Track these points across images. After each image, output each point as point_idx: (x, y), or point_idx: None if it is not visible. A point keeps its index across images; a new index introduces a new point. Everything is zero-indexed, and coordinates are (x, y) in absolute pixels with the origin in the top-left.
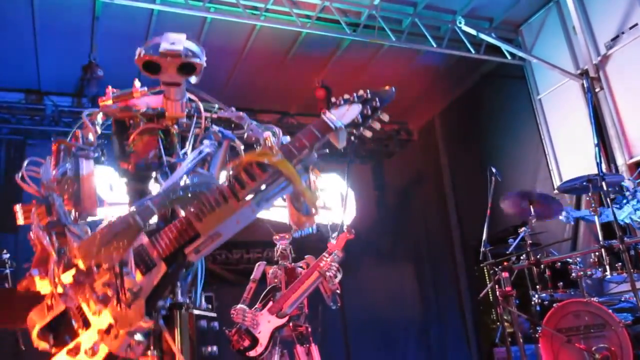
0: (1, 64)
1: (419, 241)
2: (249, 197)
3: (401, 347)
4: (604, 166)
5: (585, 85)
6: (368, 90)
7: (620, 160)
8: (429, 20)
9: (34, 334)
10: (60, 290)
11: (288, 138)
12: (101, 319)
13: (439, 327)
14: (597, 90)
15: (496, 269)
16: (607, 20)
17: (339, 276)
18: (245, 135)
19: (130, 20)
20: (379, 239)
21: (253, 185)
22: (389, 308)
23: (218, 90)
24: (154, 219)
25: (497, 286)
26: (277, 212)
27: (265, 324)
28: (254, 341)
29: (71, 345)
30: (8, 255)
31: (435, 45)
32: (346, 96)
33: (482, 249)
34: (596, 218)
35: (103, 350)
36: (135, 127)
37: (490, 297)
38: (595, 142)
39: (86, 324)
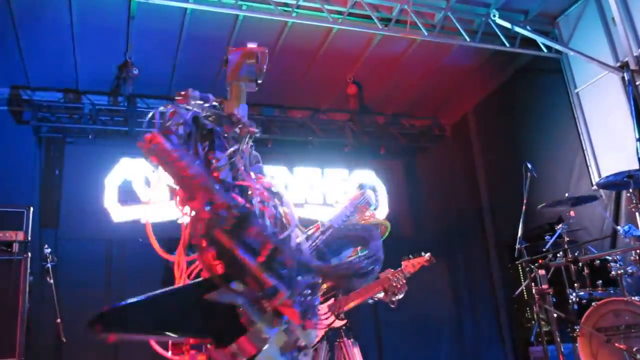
0: (41, 64)
1: (452, 238)
2: None
3: (434, 344)
4: None
5: (625, 78)
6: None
7: None
8: (462, 14)
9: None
10: None
11: None
12: (282, 336)
13: (472, 325)
14: (637, 83)
15: (532, 267)
16: None
17: (399, 296)
18: None
19: (164, 19)
20: (411, 235)
21: None
22: (422, 305)
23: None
24: None
25: (533, 284)
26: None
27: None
28: None
29: None
30: (49, 250)
31: (468, 40)
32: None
33: (518, 245)
34: (637, 215)
35: None
36: (207, 139)
37: (525, 295)
38: (637, 136)
39: None
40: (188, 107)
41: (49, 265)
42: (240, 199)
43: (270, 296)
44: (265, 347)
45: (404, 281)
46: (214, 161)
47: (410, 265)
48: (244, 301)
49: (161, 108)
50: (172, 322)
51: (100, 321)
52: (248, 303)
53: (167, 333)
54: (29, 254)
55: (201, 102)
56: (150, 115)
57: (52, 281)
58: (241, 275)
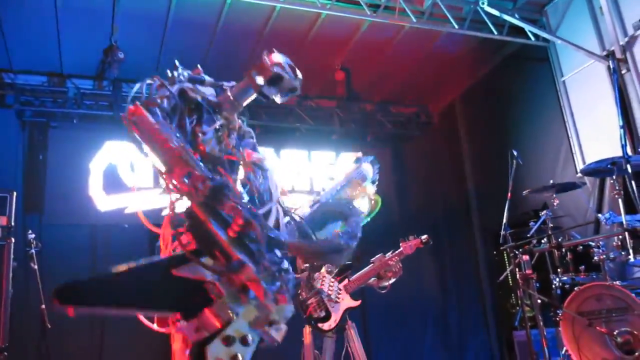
0: (25, 48)
1: (438, 224)
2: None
3: (419, 330)
4: (629, 149)
5: (611, 67)
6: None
7: None
8: (451, 1)
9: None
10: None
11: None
12: (252, 311)
13: (457, 311)
14: (623, 72)
15: (516, 252)
16: (635, 0)
17: (392, 281)
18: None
19: (151, 2)
20: (397, 222)
21: None
22: (408, 292)
23: (237, 72)
24: None
25: (517, 269)
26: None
27: (341, 301)
28: (328, 314)
29: (225, 334)
30: (33, 236)
31: (457, 27)
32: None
33: (503, 232)
34: (620, 201)
35: (255, 340)
36: (195, 113)
37: (510, 282)
38: (621, 124)
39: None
40: (177, 80)
41: (32, 251)
42: (222, 172)
43: (236, 270)
44: (235, 321)
45: (401, 265)
46: (200, 134)
47: (408, 247)
48: (213, 276)
49: (148, 80)
50: (135, 296)
51: (58, 296)
52: (217, 278)
53: (130, 307)
54: (12, 240)
55: (190, 78)
56: (136, 87)
57: (36, 267)
58: (210, 249)
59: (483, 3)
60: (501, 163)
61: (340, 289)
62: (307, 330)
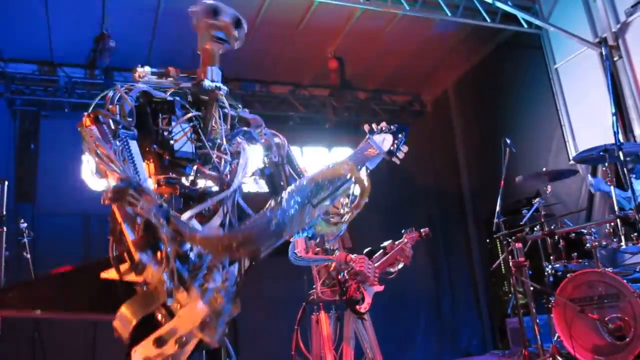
0: (15, 36)
1: (432, 213)
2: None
3: (413, 318)
4: (621, 136)
5: (603, 54)
6: (396, 125)
7: (638, 131)
8: None
9: (127, 328)
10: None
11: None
12: (191, 309)
13: (451, 299)
14: (615, 59)
15: (509, 240)
16: None
17: (400, 266)
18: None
19: None
20: (391, 210)
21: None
22: (401, 279)
23: (230, 61)
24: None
25: (510, 257)
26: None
27: (376, 284)
28: (363, 297)
29: (156, 335)
30: (25, 225)
31: (450, 14)
32: (383, 126)
33: (496, 220)
34: (612, 188)
35: (193, 340)
36: (166, 112)
37: (503, 269)
38: (613, 111)
39: (170, 315)
40: (138, 83)
41: (25, 240)
42: (199, 166)
43: (138, 271)
44: (169, 322)
45: (412, 251)
46: (165, 132)
47: (411, 238)
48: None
49: (109, 91)
50: (58, 300)
51: None
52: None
53: (53, 310)
54: (4, 229)
55: (156, 77)
56: (99, 97)
57: (29, 256)
58: (121, 252)
59: None
60: (494, 151)
61: (376, 272)
62: (324, 316)
